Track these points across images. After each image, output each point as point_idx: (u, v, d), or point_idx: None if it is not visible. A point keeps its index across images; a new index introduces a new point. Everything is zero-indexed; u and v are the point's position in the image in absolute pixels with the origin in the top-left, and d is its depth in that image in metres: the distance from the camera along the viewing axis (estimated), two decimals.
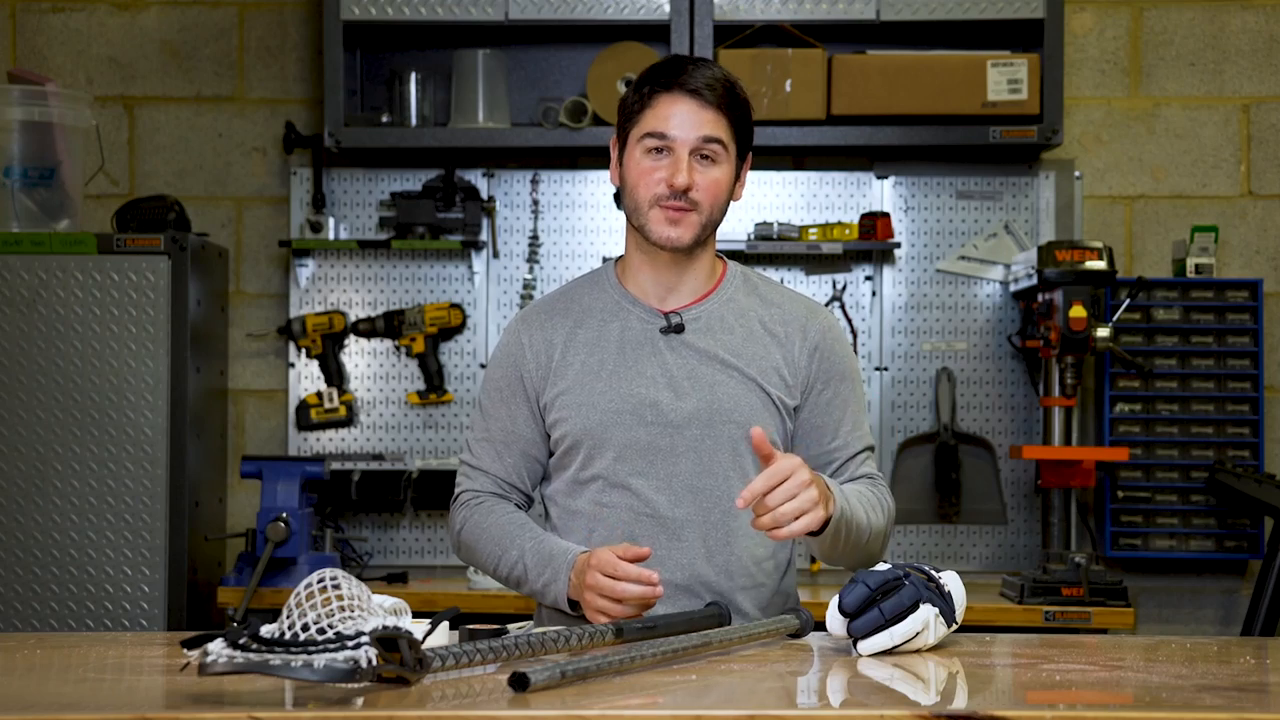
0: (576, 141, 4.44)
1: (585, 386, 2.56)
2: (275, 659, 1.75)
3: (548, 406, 2.59)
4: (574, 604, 2.48)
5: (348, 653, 1.76)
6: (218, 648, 1.77)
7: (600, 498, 2.54)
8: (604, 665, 1.94)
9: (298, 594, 1.82)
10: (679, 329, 2.56)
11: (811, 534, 2.33)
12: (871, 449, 2.64)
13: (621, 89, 4.29)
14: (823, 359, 2.59)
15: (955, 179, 4.62)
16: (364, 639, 1.76)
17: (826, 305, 4.56)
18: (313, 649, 1.76)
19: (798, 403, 2.58)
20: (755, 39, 4.45)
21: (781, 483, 2.24)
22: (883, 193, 4.62)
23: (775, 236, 4.52)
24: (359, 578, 4.42)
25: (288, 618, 1.80)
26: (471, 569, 4.32)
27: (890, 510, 2.58)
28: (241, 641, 1.77)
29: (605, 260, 4.53)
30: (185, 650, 1.82)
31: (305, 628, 1.79)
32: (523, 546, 2.54)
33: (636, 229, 2.56)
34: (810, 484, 2.26)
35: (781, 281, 4.54)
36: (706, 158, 2.51)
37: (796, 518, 2.25)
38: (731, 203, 2.60)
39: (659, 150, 2.51)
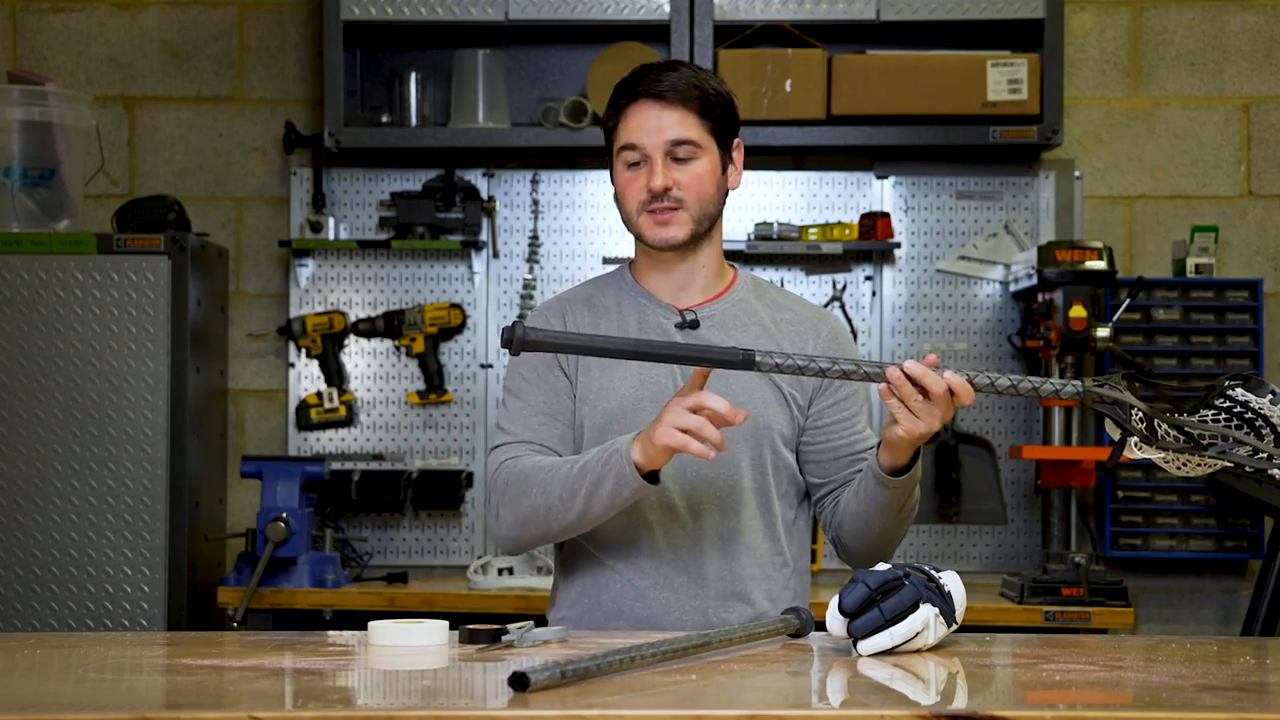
0: (576, 141, 4.44)
1: (606, 373, 2.58)
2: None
3: (576, 390, 2.60)
4: (644, 475, 2.39)
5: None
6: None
7: None
8: (604, 665, 1.94)
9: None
10: (694, 324, 2.59)
11: (896, 473, 2.44)
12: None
13: None
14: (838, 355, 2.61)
15: (955, 179, 4.62)
16: None
17: (826, 305, 4.57)
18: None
19: (808, 400, 2.61)
20: (755, 39, 4.45)
21: (926, 388, 2.31)
22: (883, 193, 4.62)
23: (775, 236, 4.52)
24: (358, 578, 4.45)
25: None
26: (471, 569, 4.32)
27: None
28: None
29: (606, 261, 4.58)
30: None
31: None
32: (580, 458, 2.49)
33: (636, 237, 2.60)
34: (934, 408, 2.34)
35: (781, 282, 4.56)
36: (681, 159, 2.54)
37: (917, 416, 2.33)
38: (730, 191, 2.63)
39: (636, 161, 2.55)
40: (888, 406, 2.35)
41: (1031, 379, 2.30)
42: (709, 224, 2.59)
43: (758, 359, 2.29)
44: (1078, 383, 2.25)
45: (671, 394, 2.54)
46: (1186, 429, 2.18)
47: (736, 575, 2.55)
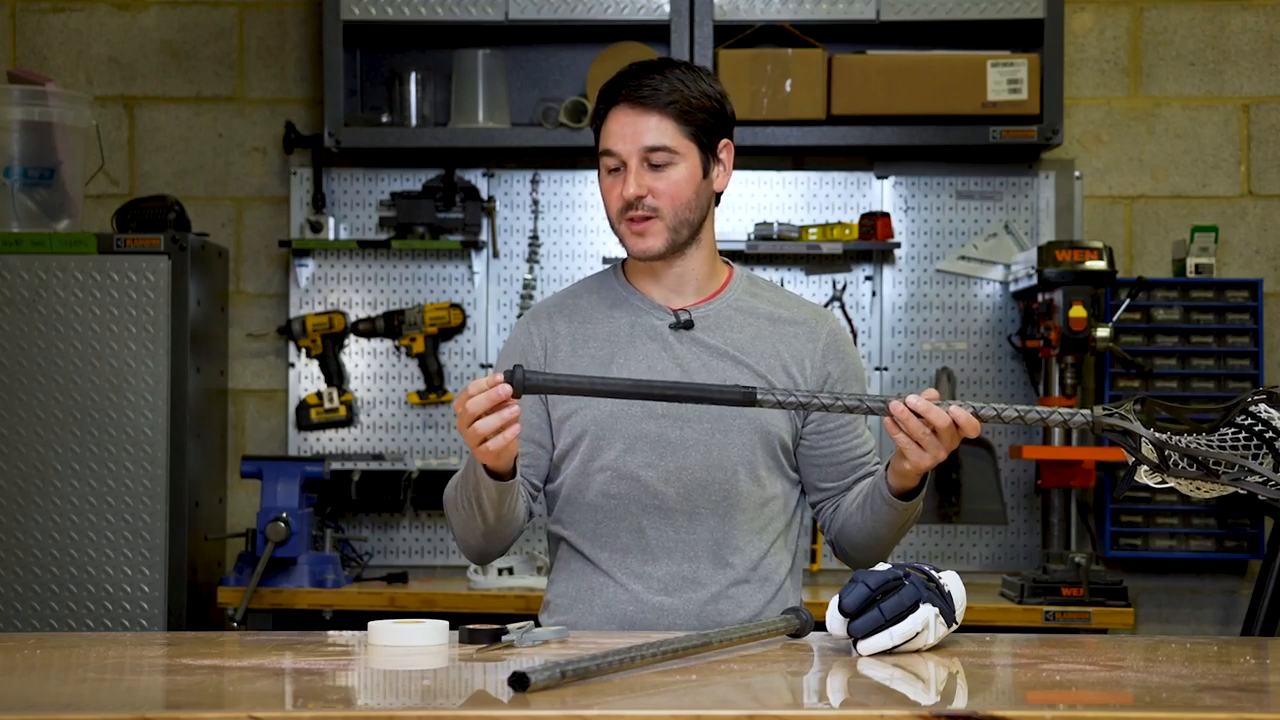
0: (576, 141, 4.44)
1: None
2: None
3: (555, 400, 2.58)
4: (492, 473, 2.41)
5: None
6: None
7: (608, 489, 2.54)
8: (604, 665, 1.94)
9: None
10: (688, 325, 2.58)
11: (905, 496, 2.49)
12: None
13: None
14: (837, 359, 2.63)
15: (955, 179, 4.62)
16: None
17: (826, 305, 4.57)
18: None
19: None
20: (755, 39, 4.45)
21: (930, 423, 2.31)
22: (883, 193, 4.62)
23: (775, 236, 4.52)
24: (358, 578, 4.45)
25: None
26: (471, 569, 4.32)
27: None
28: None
29: (605, 261, 4.58)
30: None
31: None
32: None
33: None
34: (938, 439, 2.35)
35: (781, 282, 4.56)
36: (657, 166, 2.51)
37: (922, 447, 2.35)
38: (719, 193, 2.60)
39: (615, 168, 2.54)
40: (894, 440, 2.36)
41: (1039, 409, 2.30)
42: (688, 231, 2.56)
43: (759, 396, 2.30)
44: (1086, 412, 2.24)
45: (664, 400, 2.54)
46: (1199, 458, 2.16)
47: (730, 578, 2.55)
